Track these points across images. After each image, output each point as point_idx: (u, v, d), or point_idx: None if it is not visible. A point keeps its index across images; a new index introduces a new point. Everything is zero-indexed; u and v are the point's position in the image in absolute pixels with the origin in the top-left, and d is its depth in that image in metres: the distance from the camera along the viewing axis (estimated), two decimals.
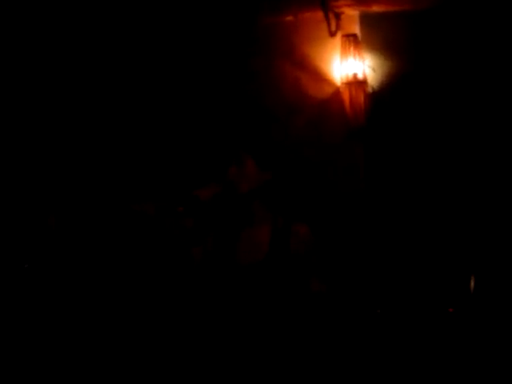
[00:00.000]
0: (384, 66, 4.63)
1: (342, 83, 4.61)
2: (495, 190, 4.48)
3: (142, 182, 4.68)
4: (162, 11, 4.60)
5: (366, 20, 4.62)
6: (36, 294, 4.24)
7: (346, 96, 4.60)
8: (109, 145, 4.81)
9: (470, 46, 4.53)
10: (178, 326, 4.15)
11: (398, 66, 4.60)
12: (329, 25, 4.61)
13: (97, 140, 4.81)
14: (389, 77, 4.62)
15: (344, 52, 4.57)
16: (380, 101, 4.62)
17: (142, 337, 4.13)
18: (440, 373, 4.00)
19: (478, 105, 4.54)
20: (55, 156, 4.78)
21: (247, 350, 4.06)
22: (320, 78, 4.70)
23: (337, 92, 4.65)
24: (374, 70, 4.62)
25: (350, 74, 4.58)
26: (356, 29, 4.61)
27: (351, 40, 4.56)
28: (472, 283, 4.28)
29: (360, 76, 4.58)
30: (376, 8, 4.57)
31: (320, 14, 4.60)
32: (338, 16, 4.61)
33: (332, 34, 4.63)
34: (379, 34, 4.61)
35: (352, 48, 4.55)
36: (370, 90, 4.61)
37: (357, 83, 4.58)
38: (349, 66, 4.57)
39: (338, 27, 4.62)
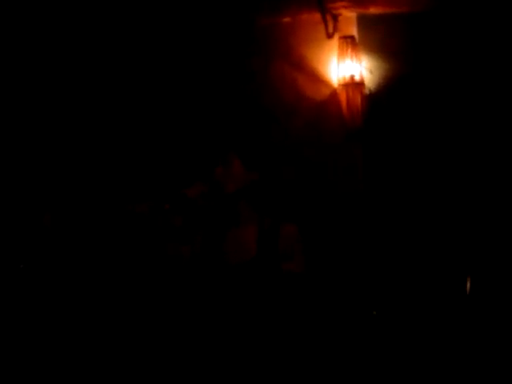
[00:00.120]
0: (381, 68, 4.64)
1: (339, 85, 4.62)
2: (493, 191, 4.49)
3: (137, 181, 4.68)
4: (161, 11, 4.61)
5: (364, 22, 4.63)
6: (31, 293, 4.24)
7: (343, 97, 4.61)
8: (104, 144, 4.80)
9: (467, 48, 4.55)
10: (168, 323, 4.15)
11: (395, 68, 4.60)
12: (326, 27, 4.63)
13: (92, 140, 4.81)
14: (386, 78, 4.63)
15: (341, 54, 4.58)
16: (377, 102, 4.62)
17: (134, 334, 4.14)
18: (436, 373, 4.00)
19: (476, 106, 4.55)
20: (51, 156, 4.77)
21: (237, 348, 4.06)
22: (317, 79, 4.71)
23: (334, 93, 4.66)
24: (371, 71, 4.63)
25: (347, 76, 4.59)
26: (353, 31, 4.63)
27: (348, 42, 4.57)
28: (468, 284, 4.28)
29: (357, 78, 4.59)
30: (373, 10, 4.58)
31: (318, 16, 4.62)
32: (335, 18, 4.63)
33: (329, 36, 4.64)
34: (376, 35, 4.62)
35: (349, 50, 4.56)
36: (367, 91, 4.62)
37: (354, 85, 4.59)
38: (346, 67, 4.58)
39: (335, 29, 4.64)
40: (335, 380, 4.10)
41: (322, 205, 4.66)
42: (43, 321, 4.17)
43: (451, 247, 4.47)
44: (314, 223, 4.61)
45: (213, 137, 4.74)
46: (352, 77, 4.58)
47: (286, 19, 4.74)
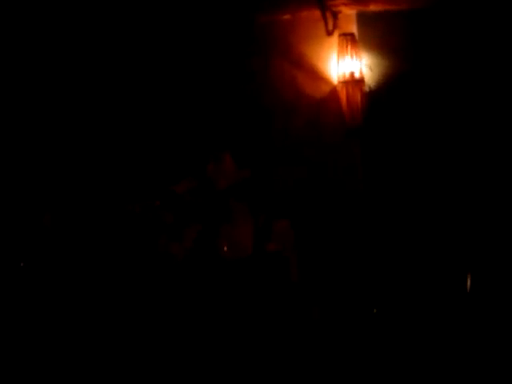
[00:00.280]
0: (381, 65, 4.63)
1: (339, 82, 4.61)
2: (494, 188, 4.49)
3: (136, 180, 4.67)
4: (159, 9, 4.60)
5: (364, 19, 4.62)
6: (32, 292, 4.24)
7: (342, 95, 4.60)
8: (103, 143, 4.79)
9: (468, 45, 4.54)
10: (162, 321, 4.15)
11: (395, 65, 4.60)
12: (326, 24, 4.62)
13: (91, 138, 4.79)
14: (386, 76, 4.63)
15: (341, 51, 4.57)
16: (377, 100, 4.62)
17: (132, 334, 4.13)
18: (437, 373, 4.00)
19: (476, 104, 4.55)
20: (51, 155, 4.76)
21: (233, 348, 4.06)
22: (317, 76, 4.70)
23: (334, 91, 4.65)
24: (371, 69, 4.63)
25: (347, 73, 4.58)
26: (353, 28, 4.62)
27: (348, 39, 4.56)
28: (469, 282, 4.28)
29: (357, 75, 4.57)
30: (373, 7, 4.57)
31: (317, 13, 4.60)
32: (335, 15, 4.62)
33: (329, 33, 4.63)
34: (376, 33, 4.61)
35: (349, 47, 4.55)
36: (367, 89, 4.61)
37: (354, 82, 4.58)
38: (346, 64, 4.57)
39: (335, 26, 4.63)
40: (336, 378, 4.09)
41: (321, 203, 4.65)
42: (44, 318, 4.17)
43: (452, 245, 4.48)
44: (314, 221, 4.60)
45: (207, 135, 4.73)
46: (352, 74, 4.57)
47: (286, 17, 4.72)
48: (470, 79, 4.54)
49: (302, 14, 4.68)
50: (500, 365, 3.97)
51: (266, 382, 4.02)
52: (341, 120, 4.64)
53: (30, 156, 4.74)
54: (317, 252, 4.54)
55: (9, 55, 4.75)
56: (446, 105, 4.58)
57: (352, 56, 4.55)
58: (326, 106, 4.69)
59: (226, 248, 4.23)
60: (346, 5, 4.55)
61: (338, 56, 4.58)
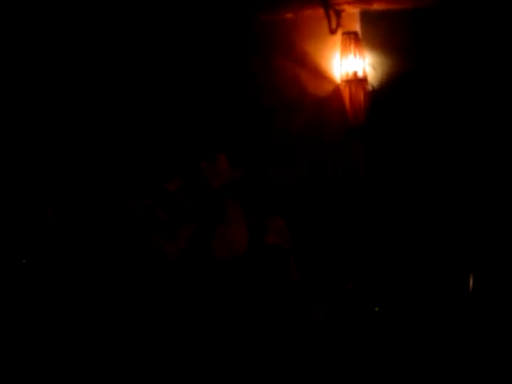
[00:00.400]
0: (384, 64, 4.63)
1: (342, 81, 4.60)
2: (496, 188, 4.49)
3: (136, 179, 4.66)
4: (159, 7, 4.59)
5: (367, 18, 4.62)
6: (34, 288, 4.22)
7: (345, 94, 4.60)
8: (103, 140, 4.78)
9: (472, 45, 4.54)
10: (158, 323, 4.14)
11: (398, 65, 4.60)
12: (329, 22, 4.62)
13: (91, 135, 4.78)
14: (389, 75, 4.62)
15: (344, 50, 4.56)
16: (380, 99, 4.61)
17: (127, 332, 4.12)
18: (439, 369, 4.00)
19: (479, 103, 4.55)
20: (52, 150, 4.75)
21: (232, 348, 4.05)
22: (320, 75, 4.69)
23: (337, 90, 4.64)
24: (374, 68, 4.62)
25: (350, 72, 4.57)
26: (357, 26, 4.61)
27: (352, 38, 4.55)
28: (471, 281, 4.28)
29: (360, 74, 4.57)
30: (377, 6, 4.57)
31: (320, 12, 4.60)
32: (338, 13, 4.61)
33: (332, 32, 4.63)
34: (380, 31, 4.61)
35: (352, 46, 4.55)
36: (370, 88, 4.61)
37: (357, 81, 4.57)
38: (349, 63, 4.56)
39: (338, 25, 4.62)
40: (337, 376, 4.08)
41: (321, 203, 4.65)
42: (46, 315, 4.15)
43: (454, 244, 4.48)
44: (314, 221, 4.60)
45: (203, 134, 4.71)
46: (355, 73, 4.57)
47: (288, 15, 4.71)
48: (474, 79, 4.54)
49: (304, 13, 4.67)
50: (502, 364, 3.96)
51: (268, 380, 4.01)
52: (343, 119, 4.63)
53: (30, 152, 4.73)
54: (317, 251, 4.52)
55: (9, 54, 4.74)
56: (450, 104, 4.57)
57: (355, 55, 4.55)
58: (328, 105, 4.68)
59: (220, 247, 4.21)
60: (349, 3, 4.55)
61: (341, 55, 4.58)
